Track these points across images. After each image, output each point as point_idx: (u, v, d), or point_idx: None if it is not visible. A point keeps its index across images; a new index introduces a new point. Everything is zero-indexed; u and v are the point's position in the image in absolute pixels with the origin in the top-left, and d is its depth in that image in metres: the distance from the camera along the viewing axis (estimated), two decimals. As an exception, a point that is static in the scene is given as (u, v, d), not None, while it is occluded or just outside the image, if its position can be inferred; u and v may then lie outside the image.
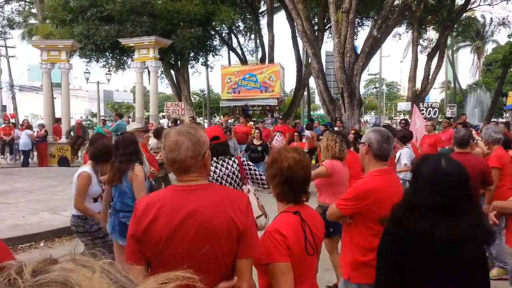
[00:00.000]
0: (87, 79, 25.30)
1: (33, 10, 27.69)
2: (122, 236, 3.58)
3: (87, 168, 3.96)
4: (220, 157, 3.50)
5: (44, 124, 14.87)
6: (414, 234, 1.61)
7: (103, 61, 20.92)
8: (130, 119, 23.88)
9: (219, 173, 3.45)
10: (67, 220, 6.42)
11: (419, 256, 1.61)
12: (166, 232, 1.59)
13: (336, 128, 11.54)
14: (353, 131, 8.50)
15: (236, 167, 3.49)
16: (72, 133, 14.72)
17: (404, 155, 6.46)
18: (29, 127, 14.86)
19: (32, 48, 15.53)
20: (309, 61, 19.08)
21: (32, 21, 29.37)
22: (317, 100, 43.28)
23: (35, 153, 14.58)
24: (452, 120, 11.96)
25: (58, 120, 16.04)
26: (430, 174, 1.67)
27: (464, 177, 1.68)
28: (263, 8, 26.00)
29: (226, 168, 3.48)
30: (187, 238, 1.59)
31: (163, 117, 16.11)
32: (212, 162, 3.45)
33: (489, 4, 22.48)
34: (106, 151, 3.94)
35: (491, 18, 30.68)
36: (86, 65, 21.71)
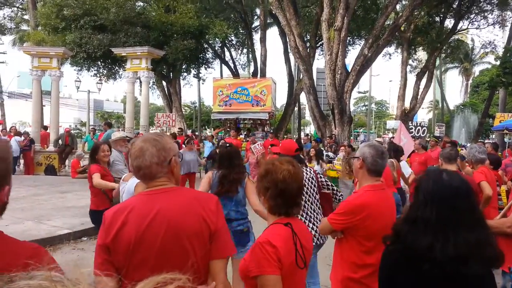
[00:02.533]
0: (78, 87, 25.11)
1: (26, 17, 27.55)
2: (239, 245, 3.47)
3: None
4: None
5: (32, 131, 14.67)
6: (413, 250, 1.53)
7: (95, 70, 20.85)
8: (120, 129, 23.74)
9: None
10: (52, 229, 6.32)
11: (418, 275, 1.52)
12: (135, 236, 1.55)
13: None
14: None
15: (312, 176, 3.77)
16: (60, 141, 14.53)
17: (405, 166, 6.77)
18: (18, 134, 14.65)
19: (23, 55, 15.39)
20: (301, 77, 19.23)
21: (24, 27, 29.20)
22: (308, 116, 43.48)
23: (22, 161, 14.34)
24: (440, 139, 12.10)
25: (46, 128, 15.85)
26: (431, 186, 1.61)
27: (466, 190, 1.60)
28: (256, 23, 26.30)
29: (305, 174, 3.67)
30: (157, 240, 1.55)
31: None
32: None
33: (477, 28, 23.10)
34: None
35: (480, 42, 31.41)
36: (77, 73, 21.61)
